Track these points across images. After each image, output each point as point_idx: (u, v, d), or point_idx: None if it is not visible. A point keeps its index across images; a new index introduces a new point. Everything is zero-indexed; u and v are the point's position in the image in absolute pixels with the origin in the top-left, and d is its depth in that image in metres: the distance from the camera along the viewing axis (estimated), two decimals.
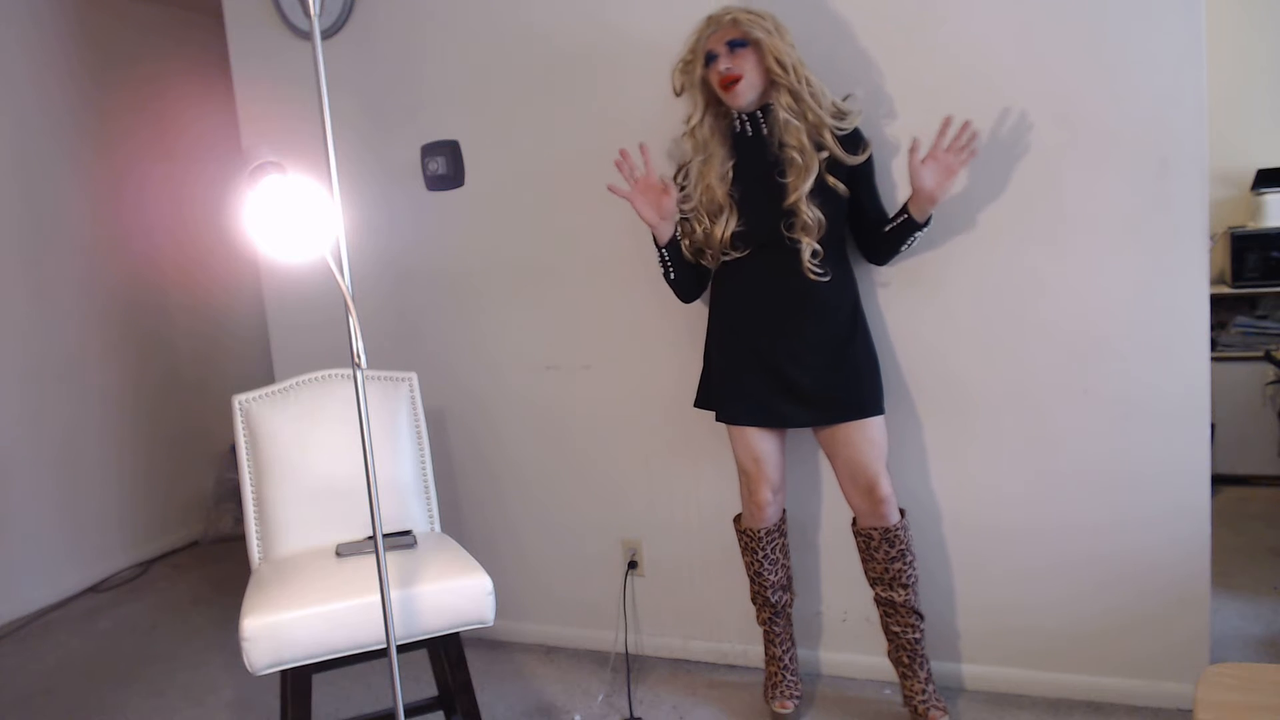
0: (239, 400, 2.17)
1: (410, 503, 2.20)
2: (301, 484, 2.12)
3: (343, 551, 2.00)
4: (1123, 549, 2.15)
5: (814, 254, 2.02)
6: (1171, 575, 2.12)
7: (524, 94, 2.58)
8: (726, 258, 2.12)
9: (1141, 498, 2.13)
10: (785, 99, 2.01)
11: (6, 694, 2.77)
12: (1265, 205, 3.74)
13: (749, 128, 2.09)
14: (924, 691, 2.16)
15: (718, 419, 2.21)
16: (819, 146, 2.02)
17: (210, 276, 4.17)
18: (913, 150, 1.99)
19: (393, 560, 1.91)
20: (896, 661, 2.21)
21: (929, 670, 2.18)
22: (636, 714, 2.37)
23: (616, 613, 2.68)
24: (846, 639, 2.45)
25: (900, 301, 2.26)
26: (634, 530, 2.65)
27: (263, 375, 3.16)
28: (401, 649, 1.81)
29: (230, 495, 4.05)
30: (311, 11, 1.59)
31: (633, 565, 2.65)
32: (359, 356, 1.53)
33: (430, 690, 2.29)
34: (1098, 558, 2.18)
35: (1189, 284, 2.04)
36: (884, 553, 2.11)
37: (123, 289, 3.82)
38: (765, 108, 2.06)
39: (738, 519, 2.31)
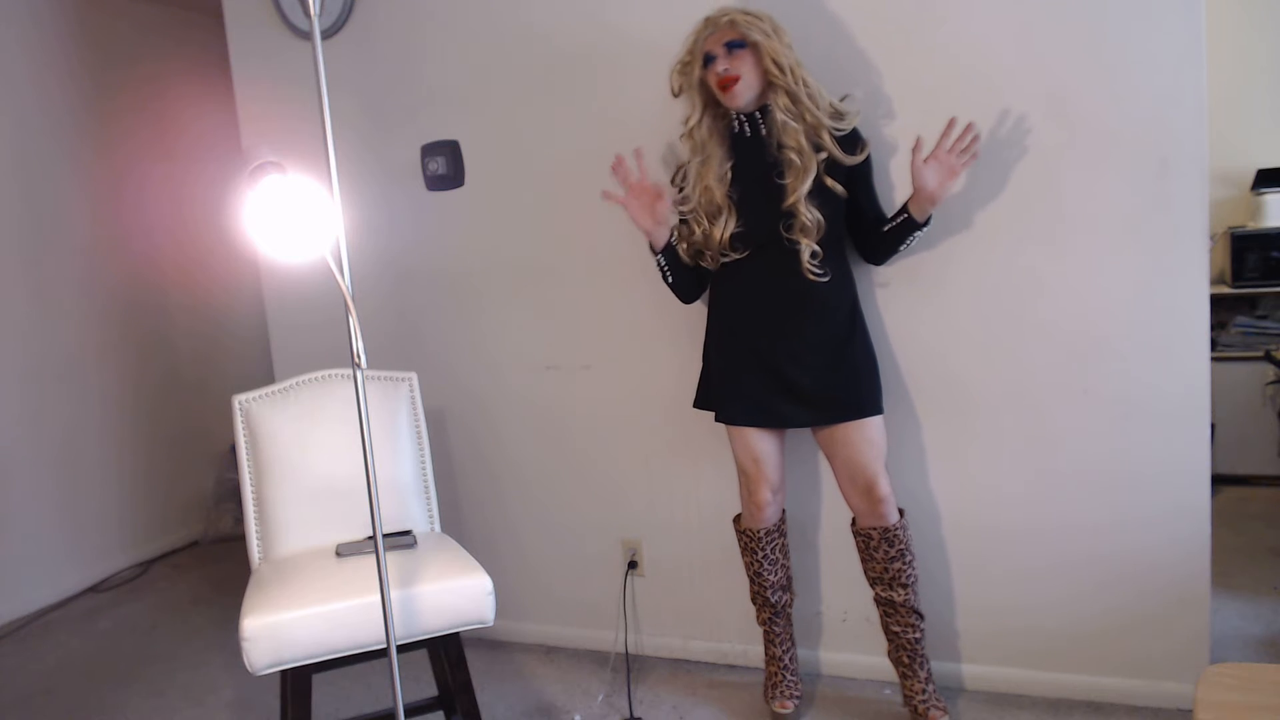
0: (239, 400, 2.17)
1: (410, 503, 2.20)
2: (301, 484, 2.12)
3: (343, 551, 2.00)
4: (1123, 549, 2.15)
5: (813, 255, 2.02)
6: (1171, 575, 2.12)
7: (524, 94, 2.58)
8: (726, 259, 2.12)
9: (1141, 498, 2.13)
10: (783, 100, 2.01)
11: (6, 694, 2.77)
12: (1265, 205, 3.74)
13: (747, 129, 2.09)
14: (924, 691, 2.16)
15: (717, 419, 2.21)
16: (817, 147, 2.02)
17: (210, 276, 4.17)
18: (916, 150, 1.99)
19: (393, 560, 1.91)
20: (896, 661, 2.21)
21: (929, 670, 2.18)
22: (636, 714, 2.37)
23: (616, 613, 2.68)
24: (846, 639, 2.45)
25: (899, 301, 2.26)
26: (634, 530, 2.65)
27: (263, 375, 3.16)
28: (401, 649, 1.81)
29: (230, 495, 4.05)
30: (311, 11, 1.59)
31: (633, 565, 2.65)
32: (359, 356, 1.53)
33: (430, 690, 2.30)
34: (1098, 558, 2.18)
35: (1189, 284, 2.04)
36: (883, 552, 2.11)
37: (123, 289, 3.82)
38: (763, 109, 2.06)
39: (737, 519, 2.31)
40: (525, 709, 2.45)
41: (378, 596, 1.76)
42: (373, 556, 1.82)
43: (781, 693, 2.29)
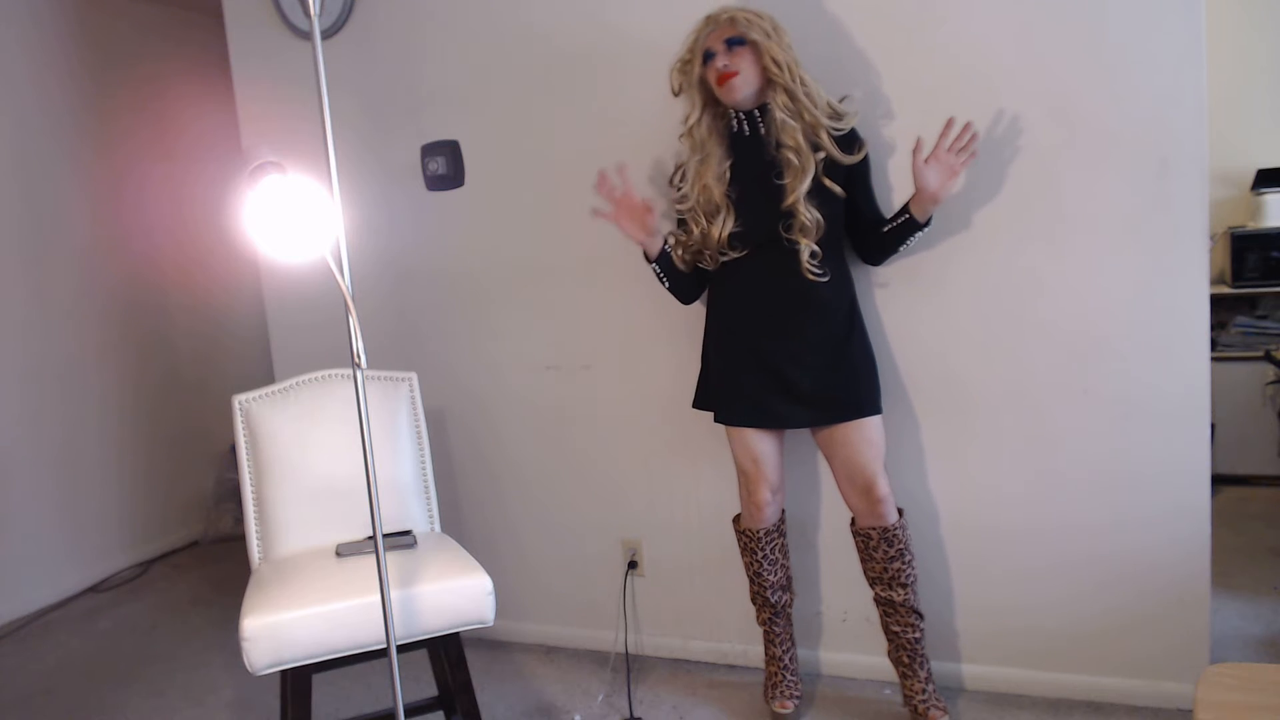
0: (239, 400, 2.17)
1: (410, 503, 2.20)
2: (301, 484, 2.12)
3: (343, 551, 2.00)
4: (1123, 549, 2.15)
5: (812, 255, 2.02)
6: (1171, 575, 2.12)
7: (524, 94, 2.58)
8: (724, 258, 2.12)
9: (1141, 498, 2.13)
10: (782, 98, 2.01)
11: (6, 694, 2.77)
12: (1265, 205, 3.74)
13: (746, 128, 2.09)
14: (924, 691, 2.16)
15: (716, 420, 2.21)
16: (815, 147, 2.02)
17: (210, 276, 4.17)
18: (916, 150, 1.99)
19: (393, 560, 1.91)
20: (896, 661, 2.21)
21: (929, 670, 2.18)
22: (636, 714, 2.37)
23: (616, 613, 2.68)
24: (846, 639, 2.45)
25: (898, 301, 2.26)
26: (634, 530, 2.65)
27: (263, 375, 3.16)
28: (401, 649, 1.81)
29: (230, 495, 4.05)
30: (311, 11, 1.59)
31: (633, 565, 2.65)
32: (359, 356, 1.53)
33: (430, 690, 2.30)
34: (1098, 558, 2.18)
35: (1189, 284, 2.04)
36: (882, 552, 2.11)
37: (123, 289, 3.82)
38: (762, 107, 2.06)
39: (737, 519, 2.31)
40: (525, 709, 2.45)
41: (378, 596, 1.76)
42: (373, 556, 1.82)
43: (781, 693, 2.29)
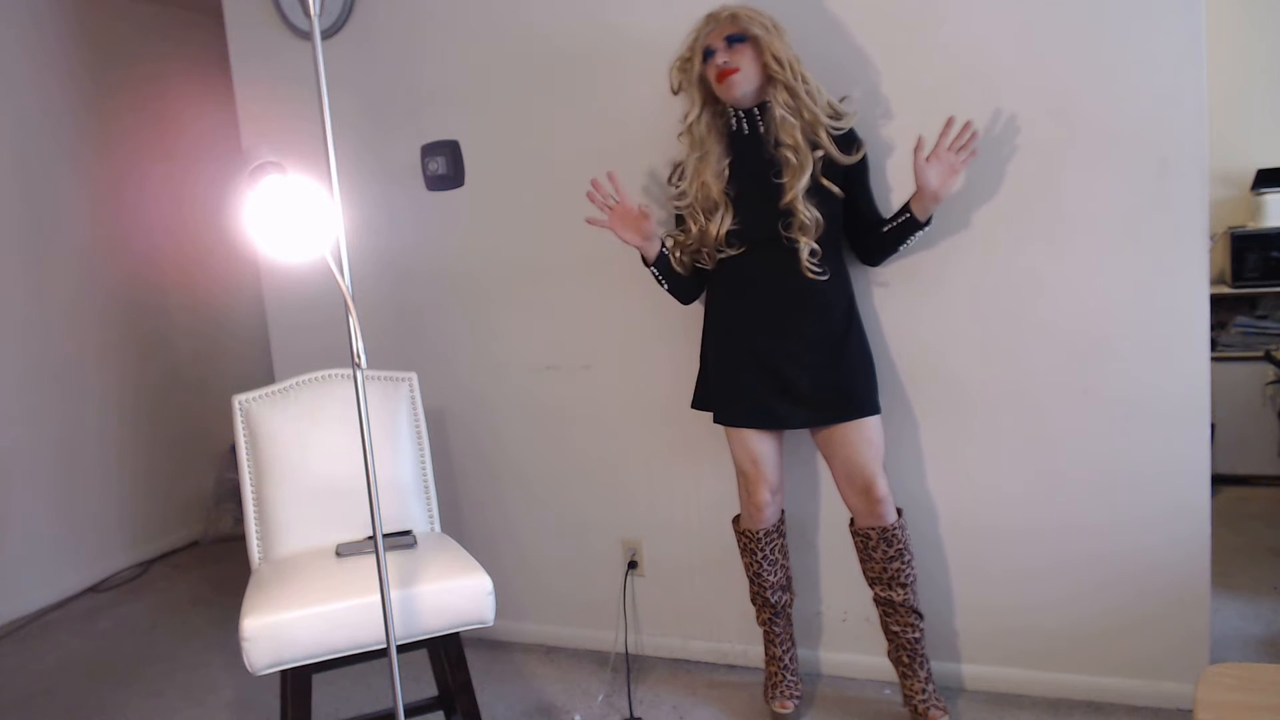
0: (239, 400, 2.17)
1: (410, 503, 2.20)
2: (301, 484, 2.12)
3: (343, 551, 2.00)
4: (1123, 549, 2.15)
5: (812, 252, 2.02)
6: (1171, 575, 2.12)
7: (524, 94, 2.58)
8: (722, 255, 2.12)
9: (1141, 498, 2.13)
10: (782, 95, 2.01)
11: (6, 694, 2.77)
12: (1265, 205, 3.74)
13: (745, 126, 2.09)
14: (924, 691, 2.16)
15: (716, 420, 2.21)
16: (814, 145, 2.02)
17: (210, 276, 4.17)
18: (918, 148, 1.99)
19: (393, 560, 1.91)
20: (896, 661, 2.21)
21: (929, 670, 2.18)
22: (636, 714, 2.37)
23: (616, 613, 2.68)
24: (846, 639, 2.45)
25: (898, 300, 2.26)
26: (634, 530, 2.65)
27: (263, 375, 3.16)
28: (401, 649, 1.81)
29: (230, 495, 4.05)
30: (311, 11, 1.59)
31: (633, 565, 2.65)
32: (359, 356, 1.53)
33: (430, 690, 2.30)
34: (1098, 558, 2.18)
35: (1189, 284, 2.04)
36: (882, 552, 2.11)
37: (122, 289, 3.82)
38: (762, 105, 2.06)
39: (736, 520, 2.31)
40: (525, 709, 2.45)
41: (378, 596, 1.76)
42: (373, 556, 1.82)
43: (781, 693, 2.29)
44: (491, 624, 1.91)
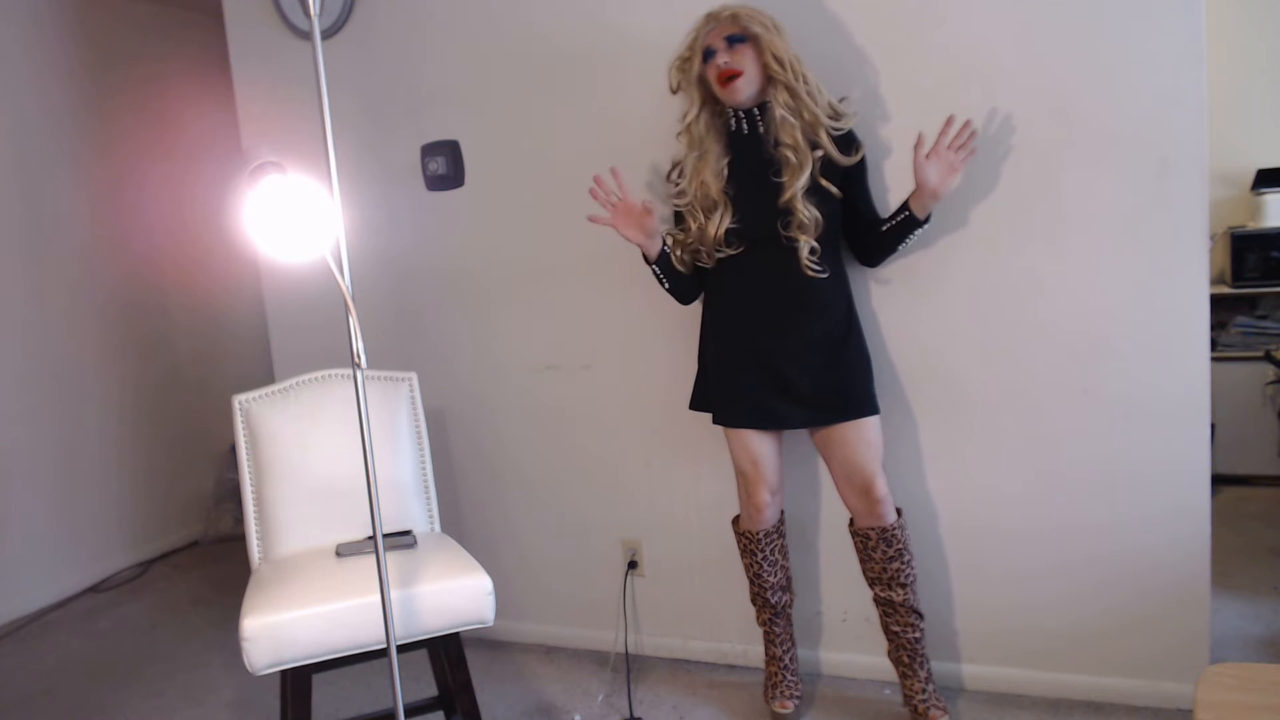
0: (239, 400, 2.17)
1: (410, 503, 2.20)
2: (301, 484, 2.12)
3: (343, 551, 2.00)
4: (1123, 549, 2.15)
5: (811, 250, 2.02)
6: (1171, 575, 2.12)
7: (524, 94, 2.58)
8: (721, 254, 2.12)
9: (1141, 498, 2.13)
10: (783, 95, 2.01)
11: (6, 694, 2.77)
12: (1265, 205, 3.74)
13: (745, 125, 2.09)
14: (924, 691, 2.16)
15: (715, 421, 2.21)
16: (814, 145, 2.02)
17: (210, 276, 4.17)
18: (918, 145, 1.99)
19: (393, 560, 1.91)
20: (896, 661, 2.21)
21: (929, 670, 2.18)
22: (636, 714, 2.37)
23: (616, 613, 2.68)
24: (846, 639, 2.45)
25: (897, 300, 2.26)
26: (634, 530, 2.65)
27: (263, 375, 3.16)
28: (401, 649, 1.81)
29: (230, 495, 4.05)
30: (311, 11, 1.59)
31: (633, 565, 2.65)
32: (359, 356, 1.53)
33: (430, 690, 2.30)
34: (1098, 558, 2.18)
35: (1189, 284, 2.04)
36: (881, 552, 2.11)
37: (122, 289, 3.82)
38: (762, 105, 2.06)
39: (736, 521, 2.30)
40: (525, 709, 2.45)
41: (378, 596, 1.76)
42: (373, 556, 1.82)
43: (782, 693, 2.29)
44: (491, 624, 1.91)
